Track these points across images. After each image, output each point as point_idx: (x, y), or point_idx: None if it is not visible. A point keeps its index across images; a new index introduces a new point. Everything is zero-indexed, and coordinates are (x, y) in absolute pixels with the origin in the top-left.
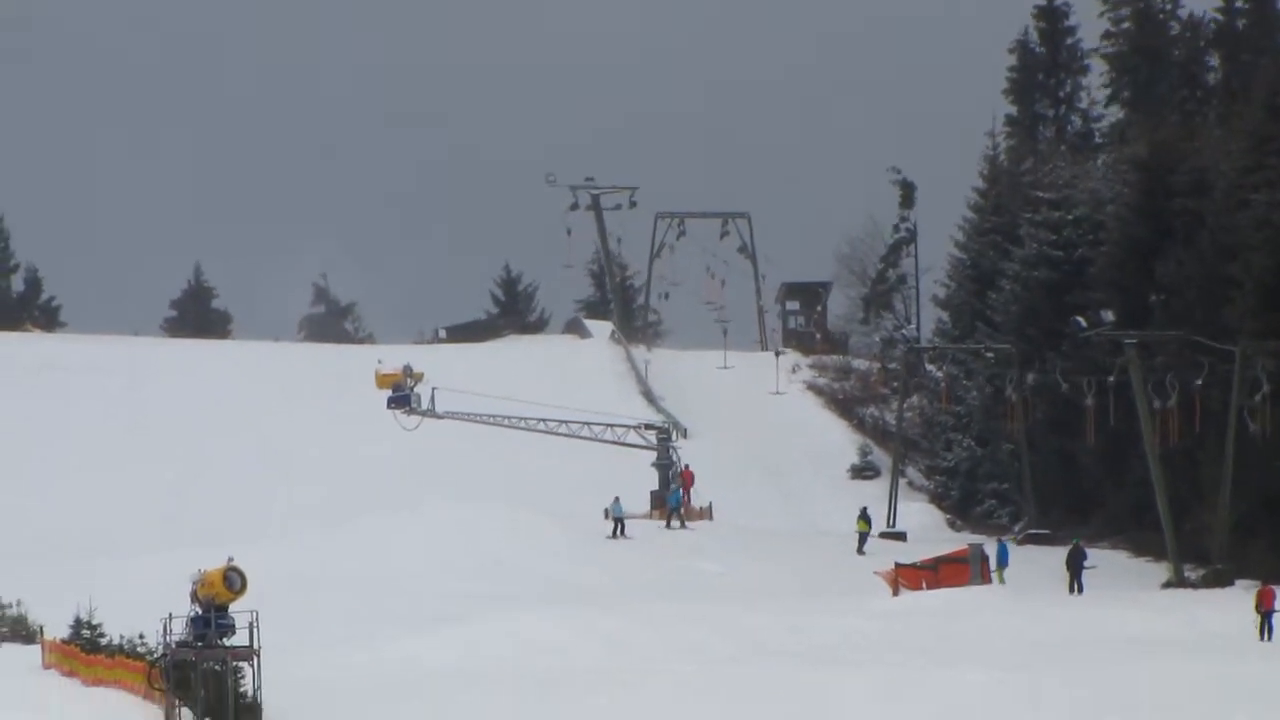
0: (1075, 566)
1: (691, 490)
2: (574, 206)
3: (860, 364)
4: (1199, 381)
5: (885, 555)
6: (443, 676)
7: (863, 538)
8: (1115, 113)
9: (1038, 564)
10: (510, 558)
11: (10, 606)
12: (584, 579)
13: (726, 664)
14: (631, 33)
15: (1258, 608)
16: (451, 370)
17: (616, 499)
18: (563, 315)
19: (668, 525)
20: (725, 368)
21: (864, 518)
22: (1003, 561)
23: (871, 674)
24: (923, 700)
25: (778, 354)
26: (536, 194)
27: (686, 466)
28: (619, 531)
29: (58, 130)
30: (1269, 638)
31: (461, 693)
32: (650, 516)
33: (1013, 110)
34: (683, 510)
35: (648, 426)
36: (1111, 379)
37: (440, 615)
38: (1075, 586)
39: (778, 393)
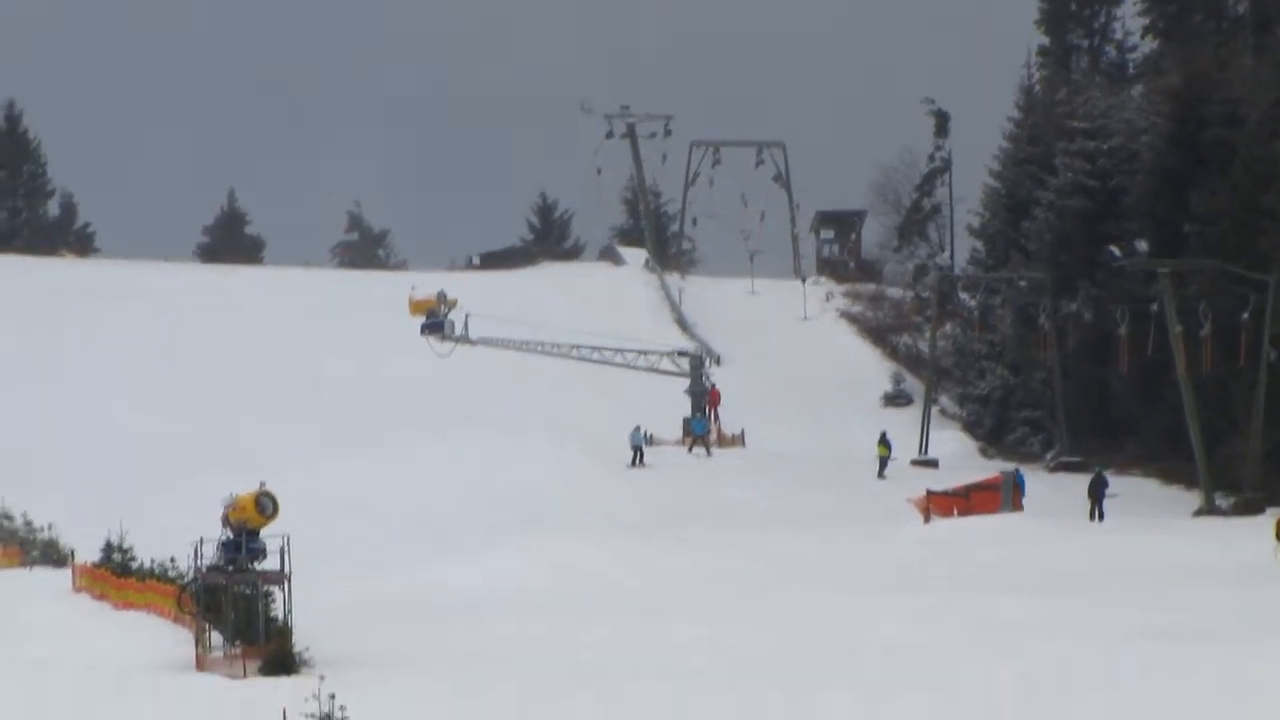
0: (1097, 494)
1: (719, 410)
2: (609, 135)
3: (894, 292)
4: (1246, 315)
5: (917, 482)
6: (475, 601)
7: (883, 462)
8: (1149, 44)
9: (1068, 492)
10: (543, 485)
11: (42, 530)
12: (617, 506)
13: (759, 588)
14: None
15: (1278, 535)
16: (485, 297)
17: (637, 427)
18: (597, 243)
19: (689, 449)
20: (753, 294)
21: (884, 442)
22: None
23: (903, 598)
24: (954, 624)
25: (804, 281)
26: (572, 122)
27: (713, 385)
28: (638, 460)
29: (93, 57)
30: None
31: (495, 616)
32: (683, 444)
33: (1045, 41)
34: (709, 437)
35: (680, 353)
36: (1154, 308)
37: (473, 542)
38: (1096, 514)
39: (805, 318)
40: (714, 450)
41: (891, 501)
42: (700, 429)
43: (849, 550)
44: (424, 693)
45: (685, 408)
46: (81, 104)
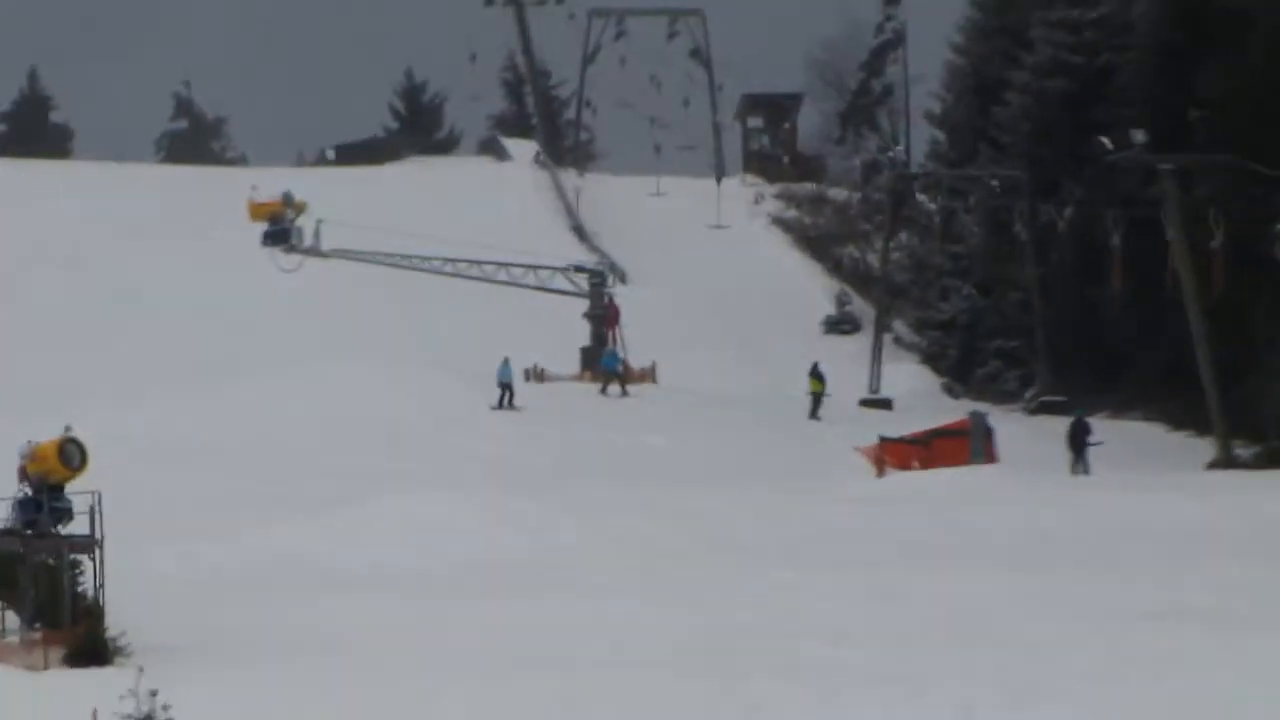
0: (1078, 443)
1: (618, 330)
2: (489, 2)
3: (837, 194)
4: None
5: (867, 427)
6: (326, 573)
7: (816, 400)
8: None
9: (1051, 439)
10: (410, 427)
11: None
12: (499, 454)
13: (672, 560)
14: None
15: None
16: (341, 199)
17: (506, 360)
18: (476, 133)
19: (603, 389)
20: (664, 195)
21: (816, 374)
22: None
23: (851, 574)
24: (914, 605)
25: (722, 179)
26: None
27: (611, 299)
28: (506, 400)
29: None
30: None
31: (348, 593)
32: (581, 379)
33: None
34: (621, 370)
35: (578, 269)
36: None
37: (322, 497)
38: (1079, 467)
39: (729, 226)
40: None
41: (836, 451)
42: (612, 364)
43: (782, 512)
44: (260, 687)
45: (583, 334)
46: None
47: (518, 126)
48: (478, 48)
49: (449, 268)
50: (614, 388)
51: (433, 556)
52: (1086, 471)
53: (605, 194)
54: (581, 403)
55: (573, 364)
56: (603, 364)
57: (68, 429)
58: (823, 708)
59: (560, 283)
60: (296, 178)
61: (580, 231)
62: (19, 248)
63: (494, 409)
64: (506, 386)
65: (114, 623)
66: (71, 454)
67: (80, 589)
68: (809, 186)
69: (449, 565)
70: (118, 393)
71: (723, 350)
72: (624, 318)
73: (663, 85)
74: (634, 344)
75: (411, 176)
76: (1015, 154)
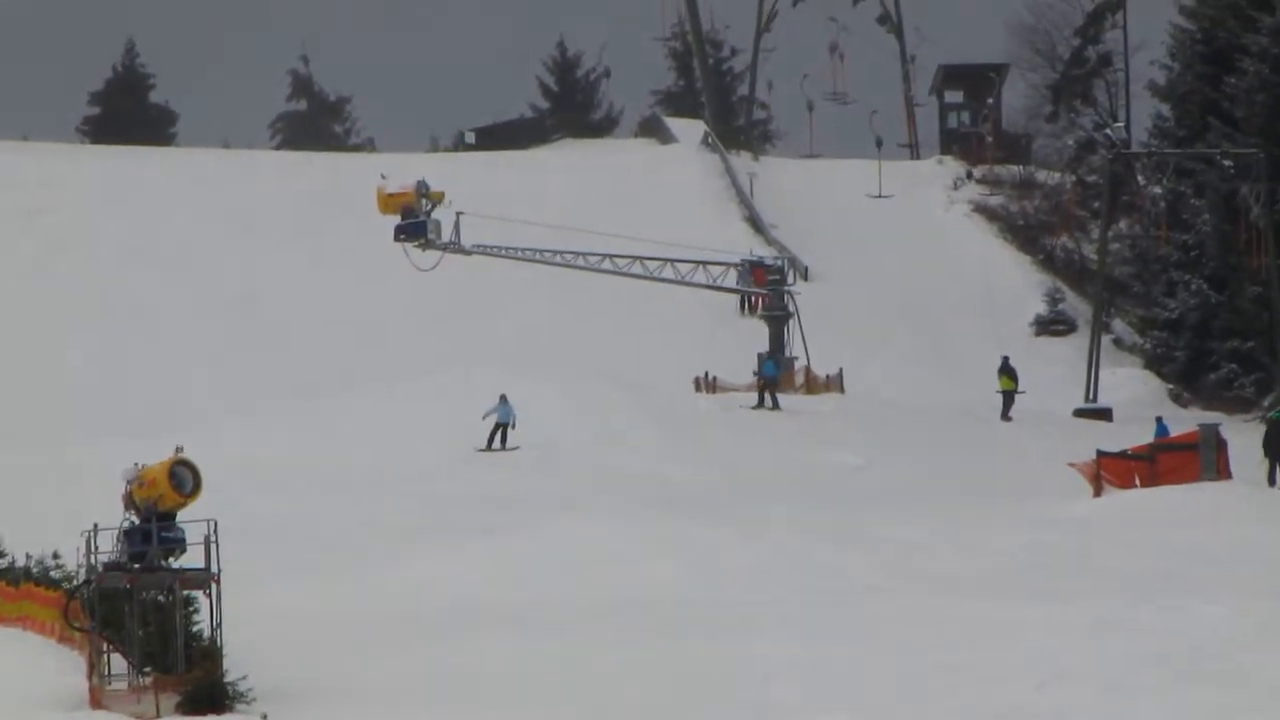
0: (1276, 449)
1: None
2: None
3: (1048, 177)
4: None
5: (1082, 440)
6: (464, 609)
7: (1008, 398)
8: None
9: None
10: (564, 444)
11: None
12: (666, 474)
13: (866, 593)
14: None
15: None
16: (482, 189)
17: (503, 397)
18: (637, 111)
19: (760, 403)
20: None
21: (1007, 370)
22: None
23: (1067, 607)
24: (1138, 641)
25: (878, 143)
26: None
27: (760, 261)
28: (498, 441)
29: None
30: None
31: (492, 631)
32: (749, 389)
33: None
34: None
35: (754, 264)
36: None
37: (465, 523)
38: (1275, 477)
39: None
40: (781, 404)
41: (1047, 467)
42: (771, 371)
43: (989, 537)
44: None
45: (761, 339)
46: None
47: (685, 104)
48: (640, 15)
49: (606, 265)
50: (768, 399)
51: (593, 590)
52: None
53: (784, 179)
54: (758, 416)
55: (747, 372)
56: (763, 369)
57: (178, 450)
58: None
59: (733, 280)
60: (431, 164)
61: (754, 222)
62: (116, 248)
63: (479, 451)
64: (502, 427)
65: (233, 665)
66: (183, 478)
67: (195, 628)
68: (1016, 169)
69: (612, 600)
70: (232, 409)
71: (918, 354)
72: (806, 320)
73: (846, 54)
74: (818, 349)
75: (563, 162)
76: (1251, 130)
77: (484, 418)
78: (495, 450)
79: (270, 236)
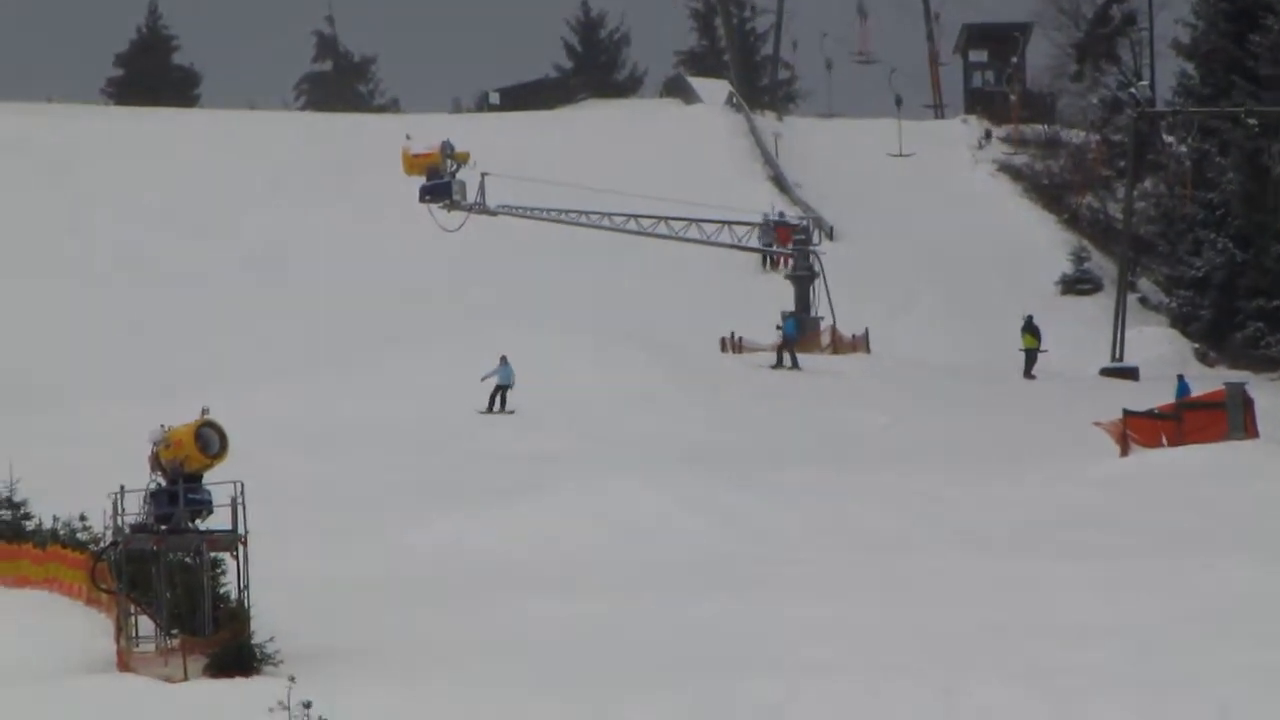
0: None
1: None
2: None
3: (1073, 136)
4: None
5: (1108, 399)
6: (492, 570)
7: (1030, 356)
8: None
9: None
10: (590, 405)
11: None
12: (694, 435)
13: (893, 551)
14: None
15: None
16: (507, 149)
17: (503, 359)
18: (661, 71)
19: (779, 363)
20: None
21: (1030, 329)
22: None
23: (1092, 564)
24: (1164, 599)
25: (897, 102)
26: None
27: (781, 217)
28: (497, 404)
29: None
30: None
31: (525, 591)
32: (773, 348)
33: None
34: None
35: (778, 224)
36: None
37: (493, 485)
38: None
39: (901, 155)
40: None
41: (1074, 427)
42: (791, 330)
43: (1016, 495)
44: (427, 699)
45: (786, 298)
46: None
47: (708, 64)
48: None
49: (631, 225)
50: (786, 356)
51: (624, 551)
52: None
53: (808, 138)
54: (784, 376)
55: (771, 331)
56: (784, 328)
57: (205, 411)
58: (1058, 715)
59: (758, 240)
60: (456, 125)
61: (779, 182)
62: (141, 210)
63: (481, 413)
64: (502, 390)
65: (260, 627)
66: (210, 439)
67: (222, 590)
68: (1040, 128)
69: (644, 561)
70: (259, 371)
71: (943, 314)
72: (831, 280)
73: (870, 11)
74: (844, 309)
75: (587, 122)
76: (1276, 87)
77: (483, 380)
78: (495, 413)
79: (296, 197)
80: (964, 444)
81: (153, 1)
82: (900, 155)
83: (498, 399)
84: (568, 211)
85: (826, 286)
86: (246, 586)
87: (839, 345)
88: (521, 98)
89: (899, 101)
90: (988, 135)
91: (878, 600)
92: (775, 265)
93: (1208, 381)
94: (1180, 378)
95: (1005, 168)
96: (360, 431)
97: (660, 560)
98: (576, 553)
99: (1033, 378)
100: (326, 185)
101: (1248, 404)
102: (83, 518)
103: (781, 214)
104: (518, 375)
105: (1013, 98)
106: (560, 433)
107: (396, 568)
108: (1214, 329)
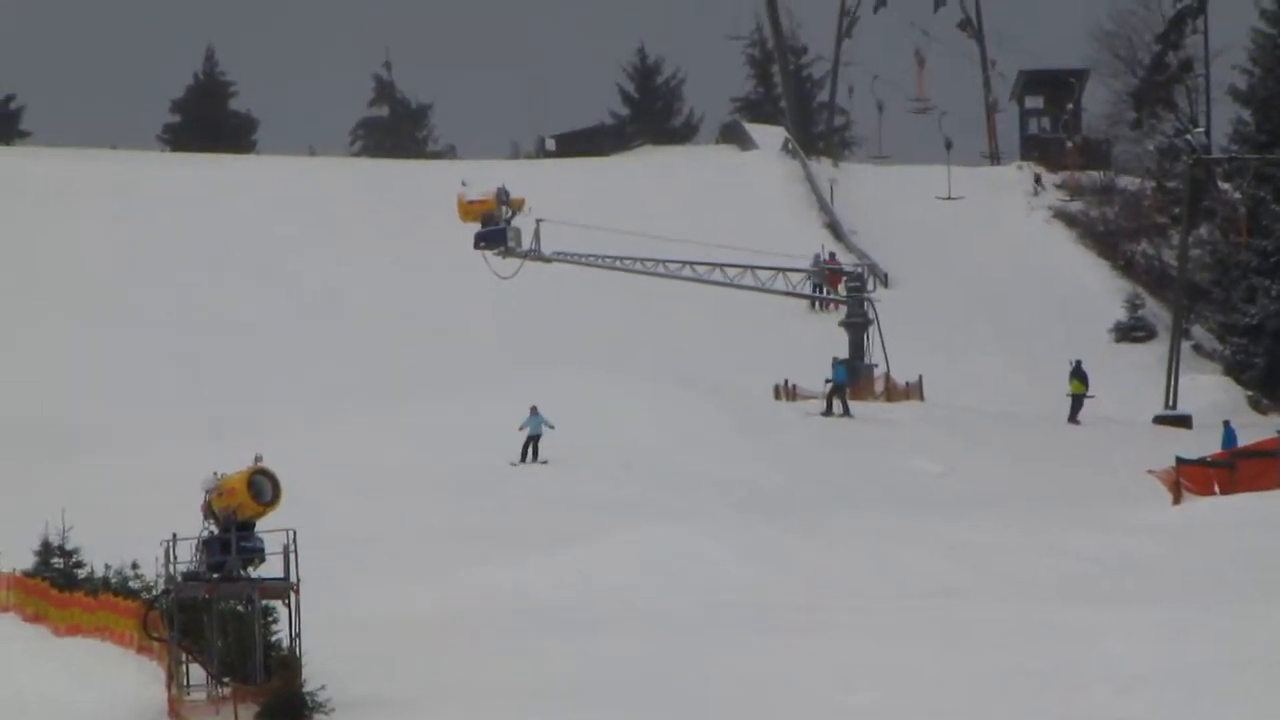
0: None
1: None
2: None
3: (1128, 183)
4: None
5: (1161, 447)
6: (548, 616)
7: (1077, 402)
8: None
9: None
10: (645, 450)
11: None
12: (747, 479)
13: (946, 598)
14: None
15: None
16: (563, 195)
17: (533, 409)
18: (717, 117)
19: (828, 410)
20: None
21: (1078, 374)
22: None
23: (1144, 613)
24: (1218, 649)
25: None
26: None
27: (832, 256)
28: (530, 454)
29: None
30: None
31: (576, 638)
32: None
33: None
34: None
35: (833, 270)
36: None
37: (548, 529)
38: None
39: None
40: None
41: (1126, 475)
42: (841, 376)
43: (1069, 543)
44: None
45: (836, 340)
46: None
47: (764, 110)
48: (719, 19)
49: (687, 271)
50: (836, 404)
51: (678, 595)
52: None
53: (864, 185)
54: (836, 423)
55: (821, 375)
56: (834, 374)
57: (258, 458)
58: None
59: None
60: (512, 171)
61: (835, 229)
62: (199, 256)
63: (513, 465)
64: (533, 440)
65: (313, 675)
66: (263, 487)
67: (274, 638)
68: (1096, 175)
69: (697, 605)
70: (313, 416)
71: (997, 362)
72: (886, 327)
73: (928, 59)
74: (898, 355)
75: (643, 168)
76: None
77: (520, 429)
78: (527, 464)
79: (351, 243)
80: (1017, 491)
81: (210, 48)
82: (949, 198)
83: (529, 449)
84: (623, 258)
85: (880, 334)
86: (298, 634)
87: (892, 393)
88: (577, 144)
89: (949, 145)
90: (1038, 180)
91: (930, 646)
92: (825, 306)
93: (1261, 429)
94: (1226, 423)
95: (1060, 214)
96: (414, 475)
97: (713, 605)
98: (630, 598)
99: (1078, 423)
100: (382, 231)
101: None
102: (135, 565)
103: (832, 254)
104: (569, 420)
105: (1069, 144)
106: (613, 477)
107: (450, 613)
108: (1268, 376)
